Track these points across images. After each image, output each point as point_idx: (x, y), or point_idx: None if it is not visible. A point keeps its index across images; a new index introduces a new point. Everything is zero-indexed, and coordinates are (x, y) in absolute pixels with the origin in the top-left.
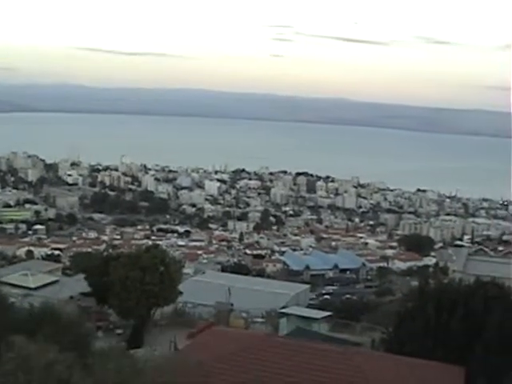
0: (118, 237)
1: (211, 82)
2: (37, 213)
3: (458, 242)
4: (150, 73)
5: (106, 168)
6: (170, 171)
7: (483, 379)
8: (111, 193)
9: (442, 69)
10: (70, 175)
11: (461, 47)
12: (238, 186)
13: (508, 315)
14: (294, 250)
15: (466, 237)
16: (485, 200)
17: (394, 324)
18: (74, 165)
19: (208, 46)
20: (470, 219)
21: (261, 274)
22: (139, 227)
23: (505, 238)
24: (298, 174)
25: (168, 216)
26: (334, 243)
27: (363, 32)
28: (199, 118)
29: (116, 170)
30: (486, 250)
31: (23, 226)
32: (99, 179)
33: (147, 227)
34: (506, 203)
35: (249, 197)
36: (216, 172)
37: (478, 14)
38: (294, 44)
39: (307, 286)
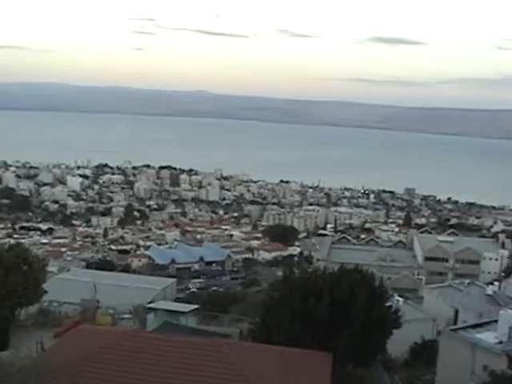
0: None
1: (71, 76)
2: None
3: (322, 231)
4: (8, 66)
5: None
6: (31, 167)
7: (350, 364)
8: None
9: (302, 61)
10: None
11: (321, 40)
12: (100, 181)
13: (372, 301)
14: (159, 244)
15: (329, 226)
16: (346, 189)
17: (260, 314)
18: None
19: (68, 38)
20: (333, 208)
21: (126, 269)
22: (0, 225)
23: (366, 225)
24: (162, 167)
25: (30, 213)
26: (199, 236)
27: (224, 25)
28: (60, 113)
29: None
30: (349, 238)
31: None
32: None
33: (9, 225)
34: (366, 192)
35: (112, 192)
36: (78, 167)
37: (338, 7)
38: (156, 37)
39: (174, 280)
